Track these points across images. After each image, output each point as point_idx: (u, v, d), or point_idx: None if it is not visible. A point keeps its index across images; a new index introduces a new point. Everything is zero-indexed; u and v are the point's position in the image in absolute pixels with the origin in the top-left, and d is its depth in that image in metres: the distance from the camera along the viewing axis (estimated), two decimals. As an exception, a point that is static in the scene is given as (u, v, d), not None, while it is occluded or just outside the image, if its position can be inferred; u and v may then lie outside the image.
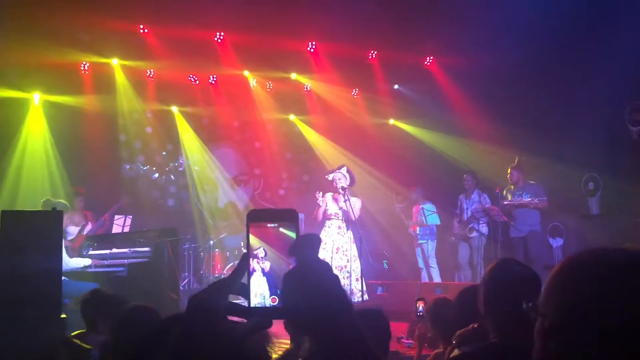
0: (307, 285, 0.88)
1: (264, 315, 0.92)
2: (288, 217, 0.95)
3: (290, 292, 0.89)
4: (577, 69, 8.28)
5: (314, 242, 0.93)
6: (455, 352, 2.25)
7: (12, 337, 4.45)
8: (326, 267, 0.92)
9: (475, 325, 2.36)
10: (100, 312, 3.55)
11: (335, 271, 6.67)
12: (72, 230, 7.84)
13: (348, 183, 7.10)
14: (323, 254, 6.83)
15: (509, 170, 8.40)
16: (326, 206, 7.07)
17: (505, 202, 8.29)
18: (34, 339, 4.46)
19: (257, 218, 0.95)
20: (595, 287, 0.93)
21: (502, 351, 1.88)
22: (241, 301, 0.95)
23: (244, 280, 0.94)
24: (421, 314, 5.30)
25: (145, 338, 2.53)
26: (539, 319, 1.00)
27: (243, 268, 0.94)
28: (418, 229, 9.47)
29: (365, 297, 6.91)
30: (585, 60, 8.15)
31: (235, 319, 0.91)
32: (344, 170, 7.25)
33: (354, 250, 7.03)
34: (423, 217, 9.25)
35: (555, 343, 0.96)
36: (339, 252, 6.95)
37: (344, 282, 6.85)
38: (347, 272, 6.89)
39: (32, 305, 4.56)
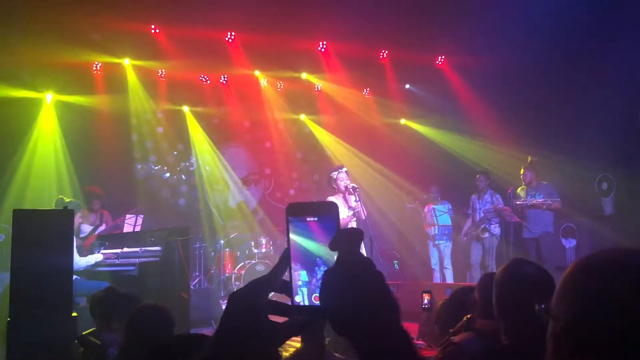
0: (349, 283, 0.84)
1: (307, 314, 0.88)
2: (328, 210, 0.91)
3: (331, 290, 0.85)
4: (590, 69, 8.21)
5: (356, 236, 0.89)
6: (456, 336, 2.25)
7: (23, 335, 4.47)
8: (369, 263, 0.87)
9: (469, 316, 2.35)
10: (115, 310, 3.56)
11: None
12: (85, 229, 7.89)
13: (350, 183, 7.04)
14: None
15: (522, 170, 8.33)
16: None
17: (517, 202, 8.22)
18: (45, 336, 4.48)
19: (296, 212, 0.92)
20: (608, 289, 0.91)
21: (514, 354, 1.85)
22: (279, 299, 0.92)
23: (286, 277, 0.91)
24: (427, 306, 5.27)
25: (155, 337, 2.53)
26: (551, 322, 0.98)
27: (284, 264, 0.91)
28: (436, 229, 9.36)
29: None
30: (599, 60, 8.07)
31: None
32: (344, 170, 7.18)
33: (363, 250, 7.00)
34: (435, 218, 9.19)
35: (567, 347, 0.94)
36: None
37: None
38: None
39: (44, 303, 4.58)
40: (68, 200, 7.09)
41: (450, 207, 9.34)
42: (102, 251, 7.03)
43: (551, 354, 0.97)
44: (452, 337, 2.21)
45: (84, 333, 3.57)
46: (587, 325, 0.92)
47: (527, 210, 8.25)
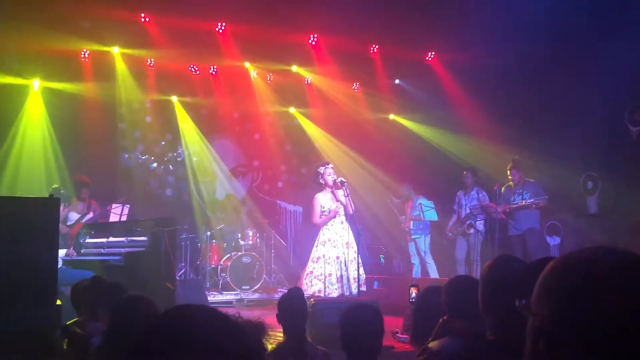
0: None
1: None
2: None
3: None
4: (578, 68, 8.26)
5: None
6: (434, 343, 2.23)
7: (6, 324, 4.44)
8: None
9: (445, 318, 2.35)
10: (101, 299, 3.54)
11: (350, 265, 6.67)
12: (73, 217, 7.84)
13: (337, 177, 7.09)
14: (335, 251, 6.85)
15: (509, 171, 8.36)
16: (322, 207, 7.05)
17: (512, 206, 8.25)
18: (29, 325, 4.45)
19: None
20: (585, 287, 0.92)
21: (498, 349, 1.87)
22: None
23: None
24: (414, 300, 5.32)
25: (139, 328, 2.52)
26: (531, 318, 0.99)
27: None
28: (412, 223, 9.39)
29: (364, 288, 6.94)
30: (586, 60, 8.13)
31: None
32: (330, 165, 7.25)
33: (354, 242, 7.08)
34: (421, 213, 9.21)
35: (544, 343, 0.95)
36: (349, 247, 6.96)
37: (356, 274, 6.82)
38: (357, 263, 6.91)
39: (27, 292, 4.55)
40: (63, 191, 7.04)
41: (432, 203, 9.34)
42: (88, 240, 6.99)
43: (529, 349, 0.98)
44: (429, 345, 2.20)
45: (67, 323, 3.55)
46: (562, 323, 0.93)
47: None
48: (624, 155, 8.30)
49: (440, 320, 2.35)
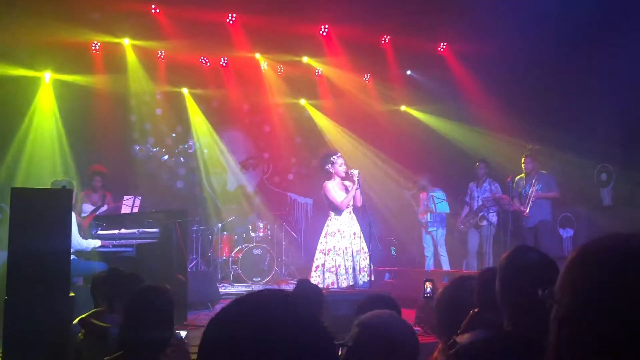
0: None
1: None
2: None
3: None
4: (592, 59, 8.17)
5: None
6: (464, 336, 2.18)
7: (20, 316, 4.46)
8: None
9: (476, 310, 2.30)
10: (118, 290, 3.54)
11: (357, 255, 6.69)
12: (87, 209, 7.87)
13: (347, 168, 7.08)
14: (344, 242, 6.84)
15: (523, 158, 8.29)
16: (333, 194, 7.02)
17: (525, 211, 8.17)
18: (42, 316, 4.48)
19: None
20: (611, 273, 0.91)
21: (516, 340, 1.85)
22: None
23: None
24: (429, 295, 5.30)
25: (156, 318, 2.52)
26: (555, 306, 0.98)
27: None
28: (429, 216, 9.34)
29: (372, 277, 6.93)
30: (602, 51, 8.04)
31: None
32: (339, 155, 7.22)
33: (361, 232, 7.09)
34: (432, 205, 9.18)
35: (569, 330, 0.94)
36: (356, 237, 6.96)
37: (365, 263, 6.85)
38: (365, 252, 6.92)
39: (41, 284, 4.57)
40: (61, 179, 7.03)
41: (444, 195, 9.32)
42: (100, 232, 7.01)
43: (553, 338, 0.98)
44: (457, 338, 2.14)
45: (84, 315, 3.55)
46: (588, 310, 0.92)
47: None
48: (638, 147, 8.20)
49: (471, 313, 2.29)
